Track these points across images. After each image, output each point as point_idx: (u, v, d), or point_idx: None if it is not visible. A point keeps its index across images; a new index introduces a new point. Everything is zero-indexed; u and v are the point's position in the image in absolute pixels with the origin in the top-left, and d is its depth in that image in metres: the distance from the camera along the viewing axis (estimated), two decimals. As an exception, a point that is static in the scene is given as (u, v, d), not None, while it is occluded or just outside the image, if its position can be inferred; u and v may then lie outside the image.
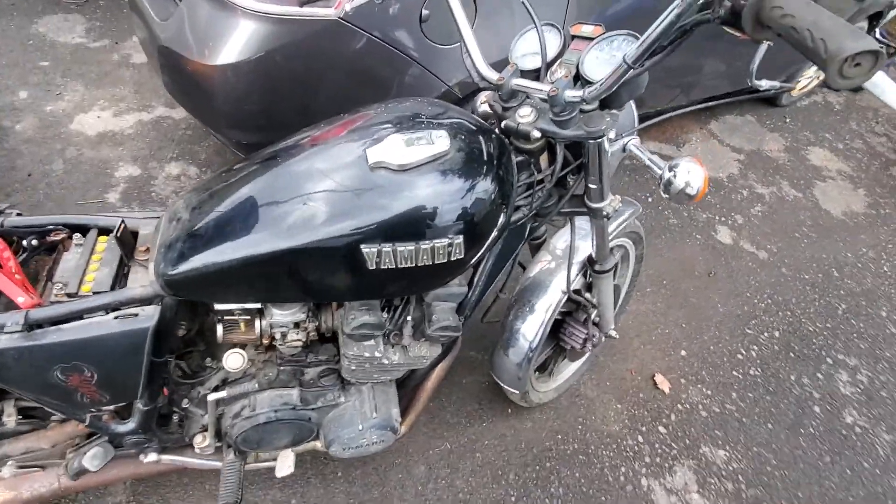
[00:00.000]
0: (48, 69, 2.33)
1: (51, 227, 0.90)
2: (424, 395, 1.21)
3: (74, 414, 0.92)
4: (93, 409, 0.91)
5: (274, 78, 1.28)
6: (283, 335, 0.94)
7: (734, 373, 1.88)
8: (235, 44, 1.22)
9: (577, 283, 1.27)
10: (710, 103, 1.48)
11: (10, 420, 1.01)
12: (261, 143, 0.88)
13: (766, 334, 2.02)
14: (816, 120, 3.20)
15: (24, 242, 0.88)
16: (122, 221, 0.87)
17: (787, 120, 3.17)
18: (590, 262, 1.18)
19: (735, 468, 1.62)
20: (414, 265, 0.77)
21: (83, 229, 0.92)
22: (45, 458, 1.06)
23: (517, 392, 1.34)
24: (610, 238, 1.25)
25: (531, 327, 1.24)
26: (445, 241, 0.76)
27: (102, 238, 0.91)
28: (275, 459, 1.13)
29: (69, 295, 0.82)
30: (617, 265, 1.60)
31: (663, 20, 0.62)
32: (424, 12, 1.30)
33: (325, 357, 1.06)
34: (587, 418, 1.68)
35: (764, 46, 0.74)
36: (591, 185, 0.92)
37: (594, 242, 1.10)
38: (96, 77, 2.35)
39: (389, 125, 0.80)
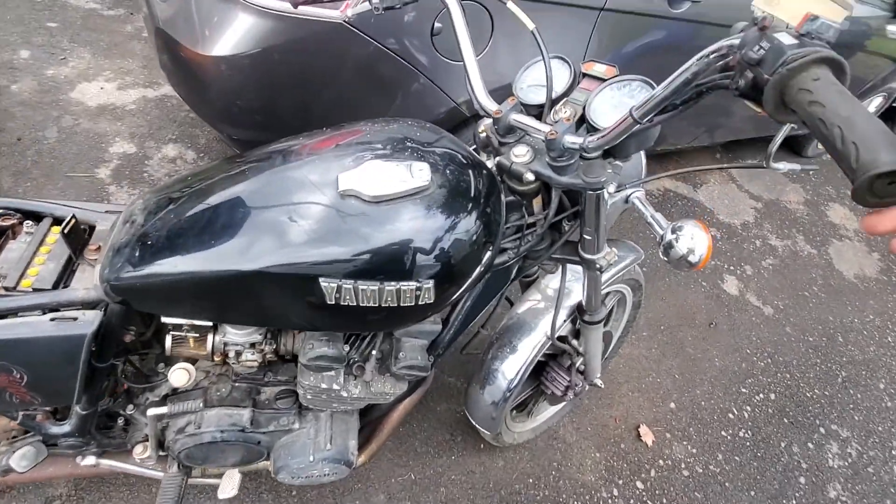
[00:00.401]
0: (55, 31, 2.27)
1: (1, 210, 0.84)
2: (388, 427, 1.14)
3: (4, 411, 0.86)
4: (24, 409, 0.85)
5: (272, 75, 1.22)
6: (238, 353, 0.87)
7: (723, 433, 1.79)
8: (232, 36, 1.15)
9: (565, 329, 1.19)
10: (733, 166, 1.40)
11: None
12: (256, 139, 0.82)
13: (761, 395, 1.93)
14: (840, 176, 3.10)
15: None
16: (73, 215, 0.80)
17: (811, 172, 3.07)
18: (579, 310, 1.10)
19: (711, 537, 1.54)
20: (377, 305, 0.70)
21: (37, 217, 0.86)
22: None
23: (489, 433, 1.26)
24: (605, 285, 1.18)
25: (511, 367, 1.17)
26: (413, 284, 0.69)
27: (55, 229, 0.84)
28: (220, 476, 1.07)
29: (6, 288, 0.76)
30: (611, 313, 1.53)
31: (677, 77, 0.55)
32: (437, 25, 1.23)
33: (284, 378, 0.99)
34: (562, 464, 1.60)
35: (787, 128, 0.66)
36: (585, 236, 0.85)
37: (585, 292, 1.03)
38: (105, 46, 2.30)
39: (372, 148, 0.73)
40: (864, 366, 2.14)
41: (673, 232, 0.75)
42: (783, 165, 0.72)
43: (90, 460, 1.00)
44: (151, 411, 0.88)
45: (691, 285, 2.25)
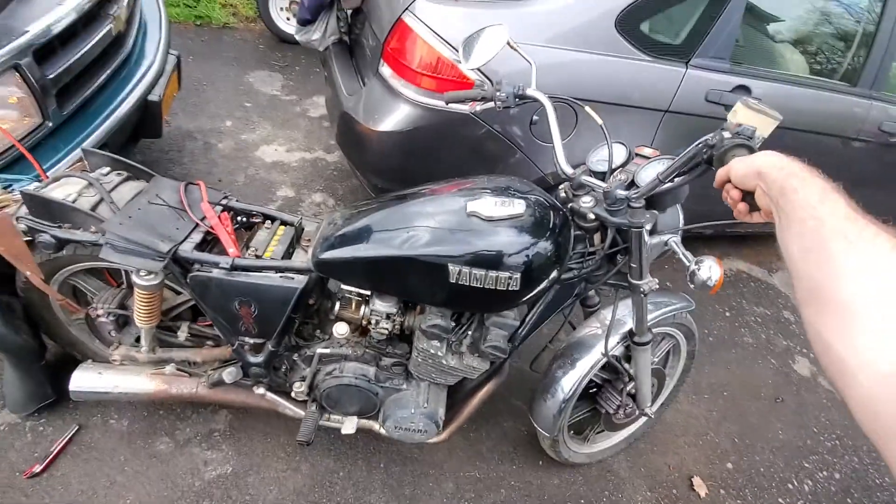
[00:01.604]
0: (249, 109, 3.13)
1: (253, 212, 1.37)
2: (468, 409, 1.45)
3: (230, 338, 1.32)
4: (242, 338, 1.30)
5: (413, 147, 1.74)
6: (377, 322, 1.27)
7: (780, 500, 1.83)
8: (395, 119, 1.71)
9: (618, 351, 1.46)
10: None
11: (182, 336, 1.45)
12: (391, 189, 1.27)
13: (824, 473, 1.93)
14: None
15: (238, 218, 1.35)
16: (301, 218, 1.30)
17: None
18: (630, 334, 1.38)
19: None
20: (481, 287, 1.07)
21: (272, 219, 1.37)
22: (193, 370, 1.48)
23: (548, 435, 1.51)
24: (655, 321, 1.44)
25: (570, 378, 1.44)
26: (507, 274, 1.06)
27: (282, 228, 1.35)
28: (341, 423, 1.44)
29: (257, 256, 1.25)
30: (667, 358, 1.75)
31: (684, 154, 0.91)
32: (535, 118, 1.70)
33: (399, 352, 1.37)
34: (614, 494, 1.75)
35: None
36: (632, 265, 1.17)
37: (634, 316, 1.32)
38: (281, 121, 3.10)
39: (488, 190, 1.14)
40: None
41: (696, 264, 1.06)
42: None
43: (261, 391, 1.43)
44: (319, 349, 1.30)
45: (759, 360, 2.34)
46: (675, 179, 0.96)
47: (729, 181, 0.70)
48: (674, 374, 1.78)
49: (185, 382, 1.44)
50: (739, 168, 0.67)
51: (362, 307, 1.27)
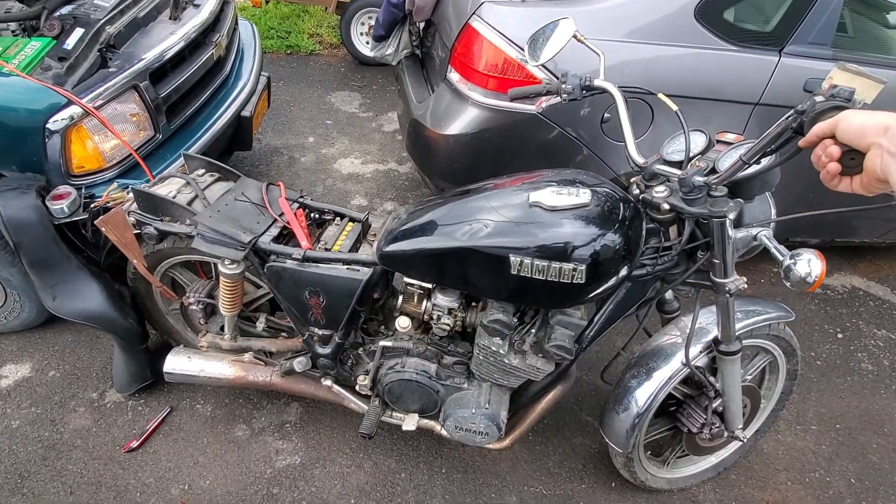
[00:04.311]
0: (330, 126, 3.35)
1: (325, 210, 1.44)
2: (532, 416, 1.38)
3: (300, 328, 1.38)
4: (311, 329, 1.36)
5: (480, 150, 1.74)
6: (438, 317, 1.26)
7: (916, 561, 1.52)
8: (462, 122, 1.73)
9: (702, 362, 1.32)
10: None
11: (260, 326, 1.55)
12: None
13: (978, 534, 1.59)
14: None
15: (311, 214, 1.43)
16: (368, 214, 1.35)
17: None
18: (716, 342, 1.25)
19: None
20: (544, 279, 1.03)
21: (342, 216, 1.43)
22: (268, 360, 1.57)
23: (621, 452, 1.39)
24: (747, 331, 1.29)
25: (645, 390, 1.32)
26: (571, 266, 1.00)
27: (350, 224, 1.40)
28: (403, 420, 1.44)
29: (326, 249, 1.31)
30: (763, 377, 1.55)
31: (772, 130, 0.81)
32: (606, 115, 1.63)
33: (461, 350, 1.35)
34: (698, 528, 1.57)
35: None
36: (714, 261, 1.06)
37: (719, 320, 1.18)
38: (357, 136, 3.28)
39: (553, 182, 1.10)
40: None
41: (792, 258, 0.94)
42: None
43: (328, 382, 1.47)
44: (382, 342, 1.32)
45: (882, 390, 2.01)
46: (763, 162, 0.86)
47: (828, 137, 0.60)
48: (771, 395, 1.57)
49: (261, 371, 1.53)
50: (855, 121, 0.57)
51: (424, 301, 1.27)
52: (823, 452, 1.79)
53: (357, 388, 1.44)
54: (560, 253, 1.01)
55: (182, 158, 1.55)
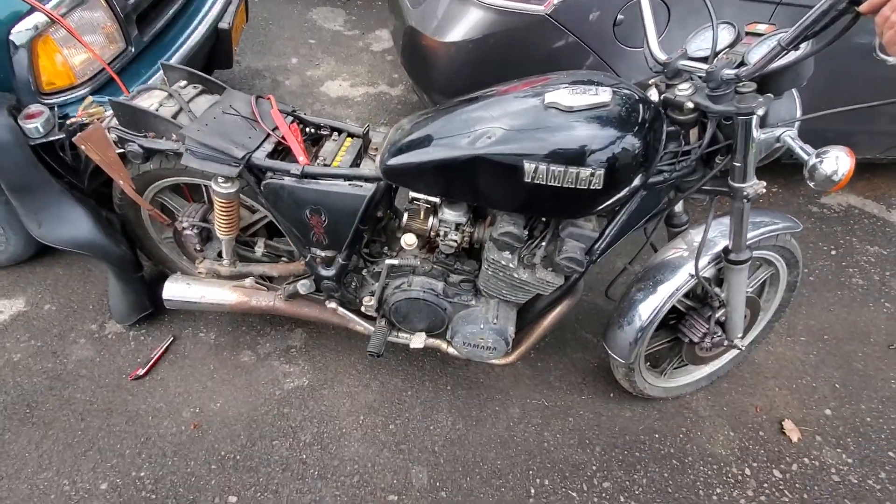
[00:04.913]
0: (313, 46, 3.12)
1: (322, 125, 1.35)
2: (539, 331, 1.40)
3: (302, 250, 1.34)
4: (313, 250, 1.32)
5: (484, 59, 1.62)
6: (445, 234, 1.23)
7: (891, 454, 1.64)
8: (463, 26, 1.59)
9: (708, 273, 1.32)
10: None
11: (259, 251, 1.51)
12: None
13: (950, 429, 1.70)
14: None
15: (306, 129, 1.34)
16: (368, 126, 1.27)
17: None
18: (725, 252, 1.24)
19: (859, 545, 1.44)
20: (560, 185, 0.98)
21: (340, 131, 1.35)
22: (270, 284, 1.54)
23: (622, 361, 1.42)
24: (755, 240, 1.28)
25: (651, 303, 1.33)
26: (588, 170, 0.96)
27: (350, 139, 1.32)
28: (409, 339, 1.45)
29: (325, 165, 1.24)
30: (763, 288, 1.58)
31: (817, 8, 0.74)
32: (619, 17, 1.51)
33: (468, 269, 1.33)
34: (692, 431, 1.65)
35: None
36: (735, 164, 1.02)
37: (732, 228, 1.17)
38: (344, 56, 3.07)
39: (568, 81, 1.03)
40: None
41: (818, 156, 0.90)
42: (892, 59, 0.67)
43: (333, 305, 1.46)
44: (388, 261, 1.29)
45: (871, 304, 2.07)
46: (802, 47, 0.80)
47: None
48: (769, 307, 1.60)
49: (264, 295, 1.51)
50: None
51: (431, 218, 1.23)
52: (811, 361, 1.86)
53: (363, 309, 1.43)
54: (577, 157, 0.96)
55: (161, 70, 1.42)
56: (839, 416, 1.72)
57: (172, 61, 1.75)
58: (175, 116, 1.25)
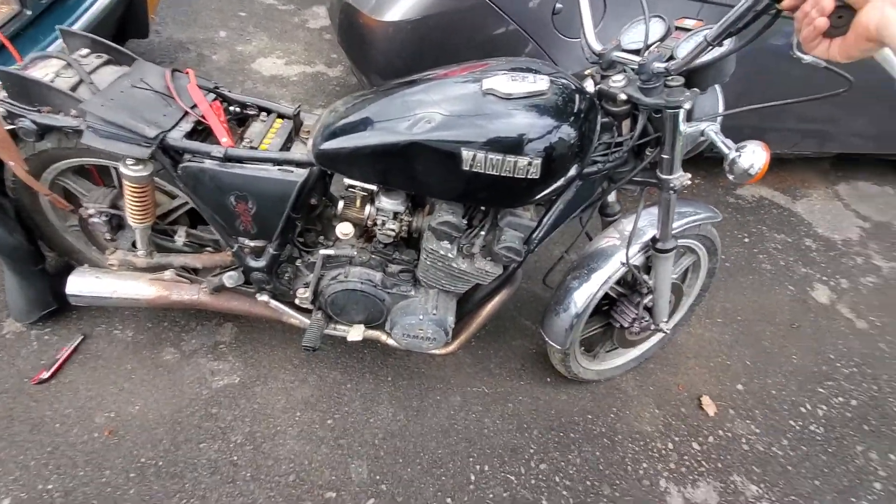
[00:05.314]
0: (244, 19, 2.92)
1: (248, 103, 1.25)
2: (479, 320, 1.40)
3: (228, 239, 1.25)
4: (241, 240, 1.23)
5: (423, 40, 1.57)
6: (383, 222, 1.19)
7: (791, 422, 1.81)
8: (402, 6, 1.53)
9: (638, 262, 1.38)
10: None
11: (180, 240, 1.39)
12: None
13: (840, 399, 1.91)
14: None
15: (231, 108, 1.24)
16: (299, 106, 1.19)
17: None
18: (653, 241, 1.30)
19: (764, 506, 1.59)
20: (497, 174, 0.97)
21: (268, 111, 1.26)
22: (194, 276, 1.43)
23: (558, 348, 1.46)
24: (679, 230, 1.35)
25: (585, 291, 1.37)
26: (526, 159, 0.95)
27: (279, 120, 1.24)
28: (347, 332, 1.40)
29: (252, 148, 1.15)
30: (686, 274, 1.68)
31: (740, 5, 0.77)
32: (558, 6, 1.52)
33: (406, 258, 1.29)
34: (622, 411, 1.74)
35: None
36: (663, 156, 1.05)
37: (660, 218, 1.22)
38: (278, 32, 2.90)
39: (507, 68, 1.01)
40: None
41: (737, 150, 0.95)
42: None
43: (264, 298, 1.38)
44: (323, 251, 1.23)
45: (776, 287, 2.27)
46: (726, 44, 0.83)
47: None
48: (691, 292, 1.71)
49: (186, 289, 1.40)
50: None
51: (367, 206, 1.19)
52: (726, 341, 2.02)
53: (297, 301, 1.36)
54: (515, 145, 0.95)
55: (60, 37, 1.25)
56: (749, 391, 1.88)
57: (76, 27, 1.56)
58: (74, 89, 1.10)
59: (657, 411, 1.76)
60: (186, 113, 1.14)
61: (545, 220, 1.18)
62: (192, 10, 2.86)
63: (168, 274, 1.39)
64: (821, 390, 1.93)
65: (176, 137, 1.10)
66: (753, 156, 0.92)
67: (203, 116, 1.14)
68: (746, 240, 2.45)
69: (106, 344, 1.63)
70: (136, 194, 1.18)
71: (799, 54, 0.65)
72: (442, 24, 1.56)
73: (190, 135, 1.13)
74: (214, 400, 1.55)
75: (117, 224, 1.36)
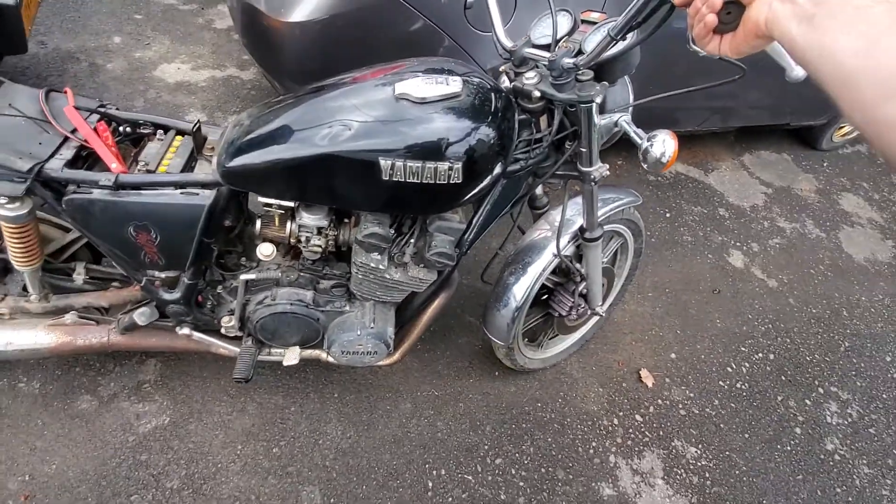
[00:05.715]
0: (141, 22, 2.68)
1: (141, 122, 1.13)
2: (419, 327, 1.37)
3: (135, 274, 1.13)
4: (149, 272, 1.12)
5: (335, 39, 1.50)
6: (307, 239, 1.12)
7: (720, 383, 1.95)
8: (307, 5, 1.45)
9: (569, 251, 1.40)
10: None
11: (80, 278, 1.25)
12: None
13: (759, 355, 2.08)
14: (856, 169, 3.20)
15: (120, 129, 1.12)
16: (199, 120, 1.09)
17: (825, 164, 3.18)
18: (581, 231, 1.32)
19: (703, 465, 1.70)
20: (419, 182, 0.94)
21: (165, 128, 1.15)
22: (101, 317, 1.30)
23: (502, 344, 1.47)
24: (605, 217, 1.39)
25: (522, 282, 1.38)
26: (447, 164, 0.93)
27: (179, 137, 1.13)
28: (283, 355, 1.32)
29: (149, 171, 1.04)
30: (615, 257, 1.74)
31: (638, 1, 0.78)
32: (469, 0, 1.49)
33: (338, 272, 1.24)
34: (568, 394, 1.79)
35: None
36: (581, 149, 1.07)
37: (584, 209, 1.25)
38: (181, 35, 2.68)
39: (419, 70, 0.98)
40: (869, 339, 2.22)
41: (649, 140, 0.97)
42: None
43: (186, 331, 1.27)
44: (243, 276, 1.14)
45: (697, 257, 2.42)
46: (629, 37, 0.84)
47: None
48: (622, 273, 1.78)
49: (93, 331, 1.26)
50: None
51: (288, 223, 1.12)
52: (657, 314, 2.13)
53: (223, 331, 1.26)
54: (434, 151, 0.92)
55: None
56: (681, 358, 2.00)
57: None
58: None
59: (601, 390, 1.83)
60: (66, 138, 1.01)
61: (475, 220, 1.16)
62: (80, 16, 2.57)
63: (70, 317, 1.25)
64: (742, 349, 2.09)
65: (55, 167, 0.97)
66: (664, 145, 0.95)
67: (86, 140, 1.01)
68: (668, 214, 2.59)
69: (10, 400, 1.45)
70: (16, 235, 1.04)
71: (694, 48, 0.66)
72: (352, 22, 1.49)
73: (73, 163, 1.00)
74: (143, 445, 1.42)
75: (3, 268, 1.20)
